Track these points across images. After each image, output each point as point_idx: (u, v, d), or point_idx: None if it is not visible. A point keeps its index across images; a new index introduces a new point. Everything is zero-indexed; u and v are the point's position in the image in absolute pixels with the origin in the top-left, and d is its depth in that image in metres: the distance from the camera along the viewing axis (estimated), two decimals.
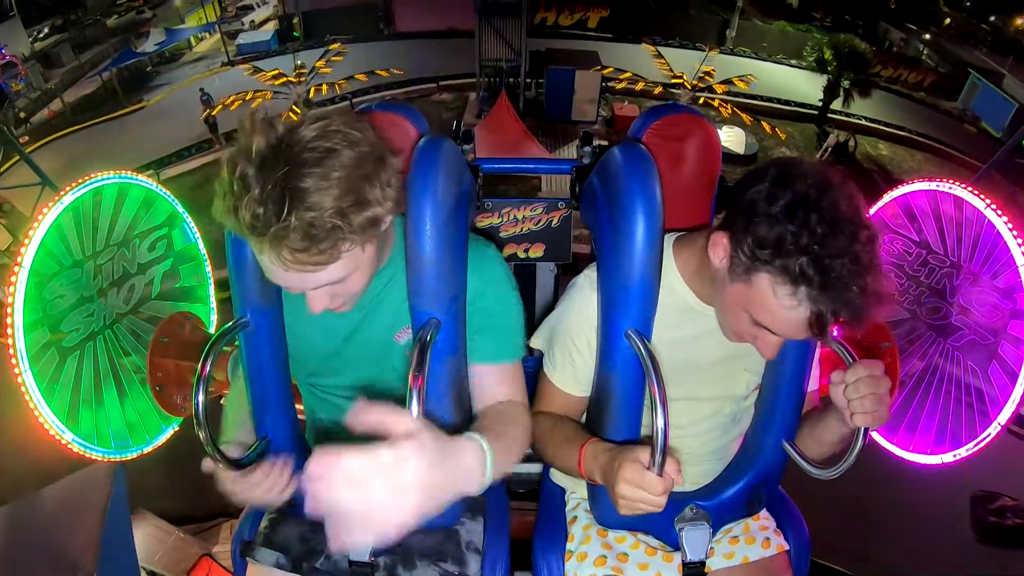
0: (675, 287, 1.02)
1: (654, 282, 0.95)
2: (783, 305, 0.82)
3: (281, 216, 0.74)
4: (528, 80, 13.71)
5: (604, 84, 12.92)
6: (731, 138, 9.25)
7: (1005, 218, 1.37)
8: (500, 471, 0.80)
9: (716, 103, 10.18)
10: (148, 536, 2.58)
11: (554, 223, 1.62)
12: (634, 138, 1.16)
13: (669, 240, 1.05)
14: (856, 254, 0.77)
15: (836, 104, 10.24)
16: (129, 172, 1.55)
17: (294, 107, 11.08)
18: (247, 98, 10.29)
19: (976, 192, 1.42)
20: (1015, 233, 1.35)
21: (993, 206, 1.39)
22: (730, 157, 7.87)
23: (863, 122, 9.10)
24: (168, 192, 1.67)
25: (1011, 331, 1.37)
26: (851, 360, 0.96)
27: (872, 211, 1.72)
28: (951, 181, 1.49)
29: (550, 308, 1.15)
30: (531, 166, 1.59)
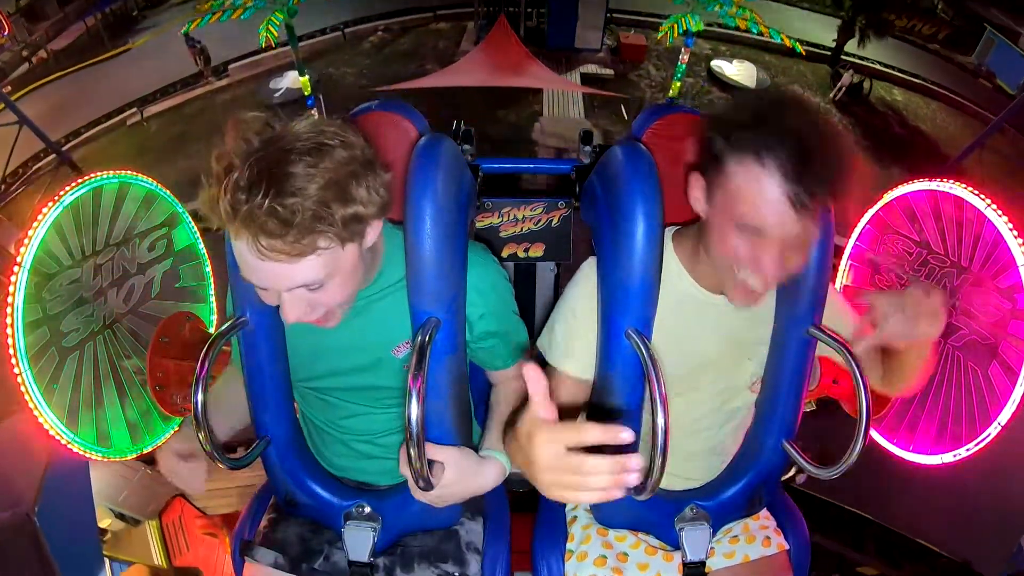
0: (677, 277, 1.02)
1: (654, 282, 0.95)
2: (758, 184, 0.80)
3: (261, 198, 0.72)
4: (529, 9, 13.02)
5: (609, 14, 12.17)
6: (741, 72, 8.92)
7: (1005, 218, 1.37)
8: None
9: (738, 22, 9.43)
10: (112, 475, 2.33)
11: (554, 223, 1.62)
12: (634, 138, 1.16)
13: (668, 233, 1.06)
14: (812, 121, 0.79)
15: (851, 47, 9.83)
16: (129, 171, 1.54)
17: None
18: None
19: (976, 192, 1.42)
20: (1015, 233, 1.34)
21: (994, 206, 1.38)
22: (740, 90, 7.74)
23: (877, 67, 8.88)
24: (168, 192, 1.67)
25: (1011, 331, 1.37)
26: (850, 359, 0.96)
27: (872, 211, 1.72)
28: (951, 181, 1.49)
29: (550, 308, 1.14)
30: (531, 166, 1.59)
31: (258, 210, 0.73)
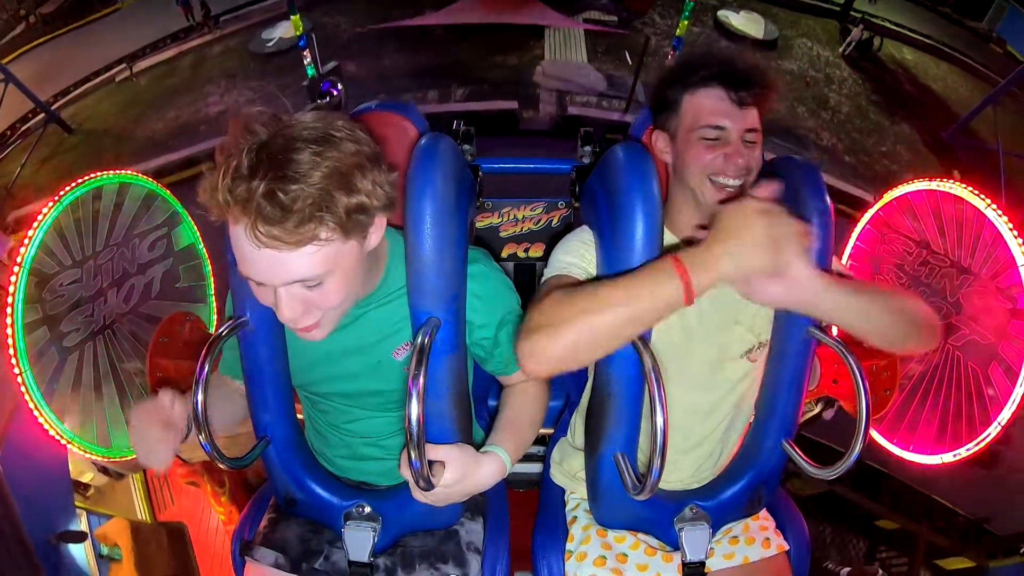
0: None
1: None
2: (708, 99, 1.02)
3: (261, 182, 0.71)
4: None
5: None
6: (748, 22, 8.82)
7: (1005, 218, 1.37)
8: (518, 457, 1.00)
9: None
10: None
11: (554, 223, 1.62)
12: (634, 137, 1.16)
13: None
14: (732, 53, 1.05)
15: (860, 4, 9.69)
16: (129, 171, 1.55)
17: None
18: None
19: (976, 192, 1.42)
20: (1015, 233, 1.35)
21: (994, 206, 1.39)
22: (748, 41, 7.65)
23: (888, 25, 8.82)
24: (168, 192, 1.67)
25: (1011, 331, 1.37)
26: (850, 359, 0.96)
27: (872, 211, 1.73)
28: (951, 181, 1.49)
29: None
30: (531, 166, 1.60)
31: (258, 194, 0.71)
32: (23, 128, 5.85)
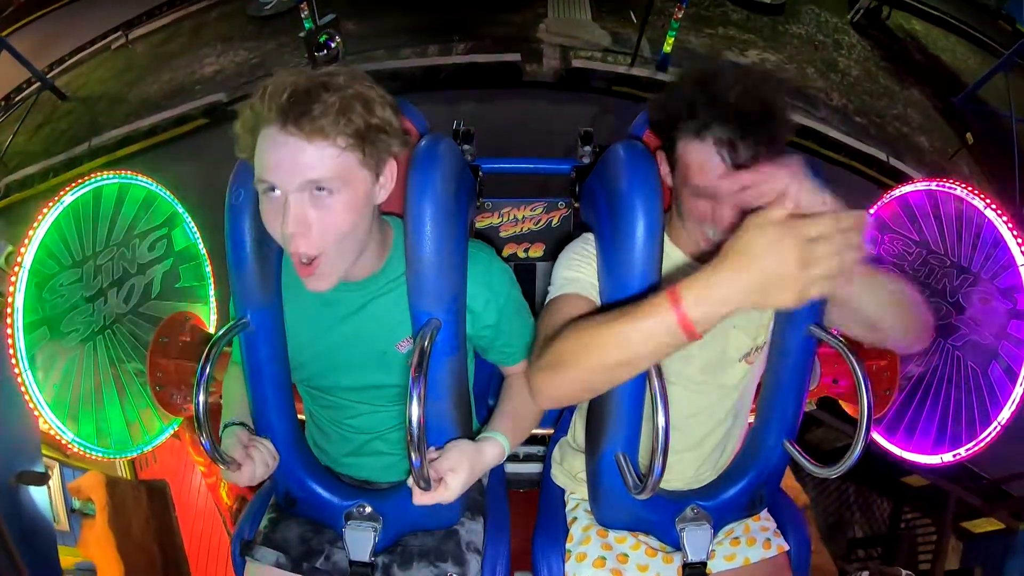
0: (667, 252, 1.03)
1: (655, 281, 0.95)
2: (702, 157, 0.91)
3: (295, 84, 0.80)
4: None
5: None
6: None
7: (1005, 218, 1.37)
8: (517, 443, 1.06)
9: None
10: None
11: (554, 223, 1.62)
12: (634, 137, 1.16)
13: None
14: (742, 89, 0.89)
15: None
16: (129, 172, 1.55)
17: None
18: None
19: (976, 192, 1.42)
20: (1015, 233, 1.35)
21: (993, 206, 1.39)
22: (756, 5, 7.65)
23: None
24: (168, 192, 1.67)
25: (1011, 331, 1.37)
26: (852, 358, 0.96)
27: (872, 211, 1.72)
28: (951, 181, 1.49)
29: None
30: (531, 166, 1.60)
31: (295, 91, 0.80)
32: (17, 98, 5.80)
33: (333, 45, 5.67)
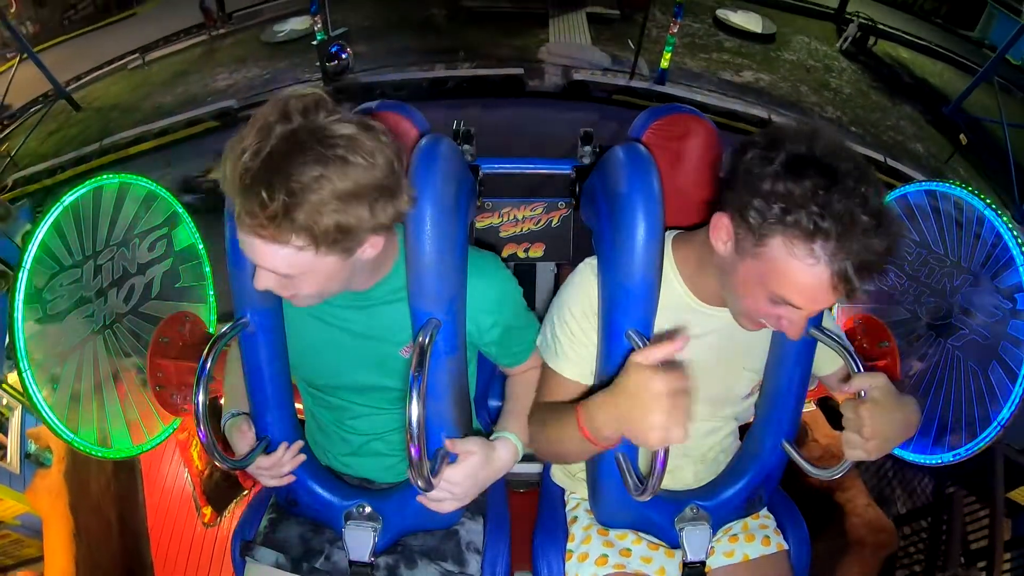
0: (673, 286, 1.01)
1: (655, 282, 0.95)
2: (804, 267, 0.77)
3: (258, 176, 0.73)
4: None
5: None
6: (746, 19, 9.04)
7: (1006, 217, 1.37)
8: (527, 442, 1.06)
9: None
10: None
11: (554, 223, 1.62)
12: (634, 138, 1.16)
13: (668, 238, 1.03)
14: (864, 196, 0.75)
15: (853, 5, 9.78)
16: (129, 172, 1.55)
17: None
18: None
19: (976, 192, 1.42)
20: (1015, 233, 1.35)
21: (994, 206, 1.39)
22: (746, 35, 7.90)
23: (882, 27, 9.02)
24: (168, 192, 1.66)
25: (1011, 331, 1.37)
26: (852, 359, 0.96)
27: None
28: (951, 181, 1.49)
29: None
30: (531, 166, 1.59)
31: (252, 186, 0.73)
32: (34, 109, 5.96)
33: (344, 56, 5.84)
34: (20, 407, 1.82)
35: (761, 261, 0.81)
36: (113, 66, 7.25)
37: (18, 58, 5.74)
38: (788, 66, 7.37)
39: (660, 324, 0.99)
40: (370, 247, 0.85)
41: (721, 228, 0.86)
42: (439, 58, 6.26)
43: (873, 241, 0.75)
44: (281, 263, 0.80)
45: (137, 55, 7.40)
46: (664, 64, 5.80)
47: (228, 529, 2.12)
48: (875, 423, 0.86)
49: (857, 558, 1.87)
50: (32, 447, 1.82)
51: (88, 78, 6.98)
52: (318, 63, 5.88)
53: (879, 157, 5.59)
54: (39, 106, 5.89)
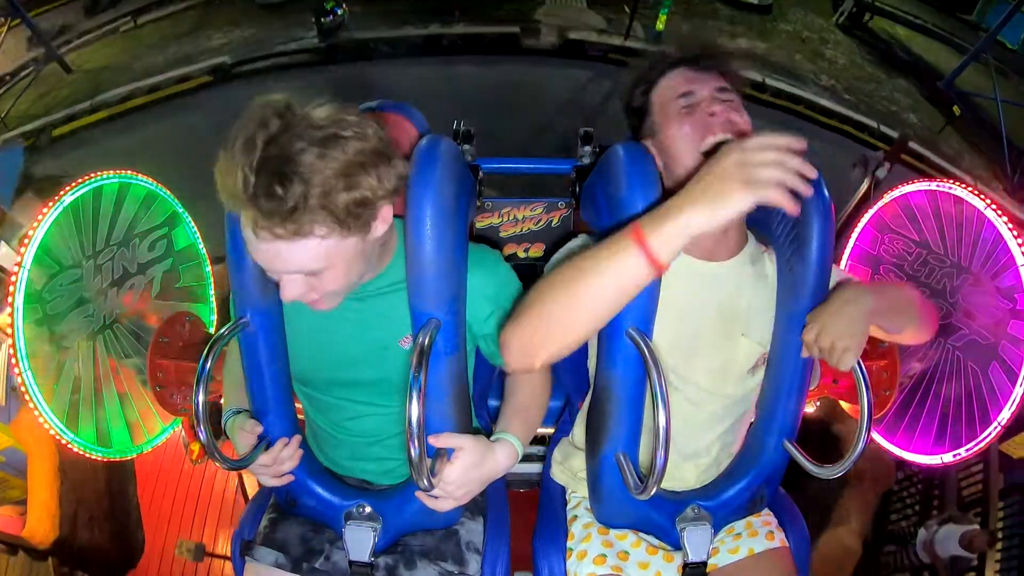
0: None
1: (654, 282, 0.95)
2: (671, 80, 1.05)
3: (264, 179, 0.73)
4: None
5: None
6: None
7: (1005, 218, 1.37)
8: (528, 441, 1.05)
9: None
10: None
11: (554, 223, 1.62)
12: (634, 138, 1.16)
13: None
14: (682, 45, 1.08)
15: None
16: (129, 171, 1.54)
17: None
18: None
19: (976, 192, 1.42)
20: (1015, 233, 1.35)
21: (994, 206, 1.39)
22: (744, 5, 7.95)
23: (879, 5, 9.07)
24: (168, 192, 1.67)
25: (1011, 331, 1.37)
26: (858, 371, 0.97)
27: (872, 211, 1.73)
28: (951, 181, 1.49)
29: None
30: (531, 166, 1.60)
31: (260, 191, 0.74)
32: (24, 73, 5.94)
33: (339, 12, 5.92)
34: (5, 342, 1.77)
35: (659, 109, 1.05)
36: (104, 29, 7.21)
37: (7, 24, 5.71)
38: (784, 36, 7.40)
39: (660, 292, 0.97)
40: (381, 221, 0.87)
41: (649, 146, 1.04)
42: (434, 18, 6.27)
43: (694, 51, 1.06)
44: (308, 258, 0.81)
45: (128, 18, 7.36)
46: (659, 26, 5.90)
47: (215, 466, 2.09)
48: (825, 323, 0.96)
49: (856, 491, 1.88)
50: (17, 382, 1.81)
51: (78, 41, 6.95)
52: (313, 19, 5.91)
53: (872, 123, 5.68)
54: (29, 69, 5.86)
